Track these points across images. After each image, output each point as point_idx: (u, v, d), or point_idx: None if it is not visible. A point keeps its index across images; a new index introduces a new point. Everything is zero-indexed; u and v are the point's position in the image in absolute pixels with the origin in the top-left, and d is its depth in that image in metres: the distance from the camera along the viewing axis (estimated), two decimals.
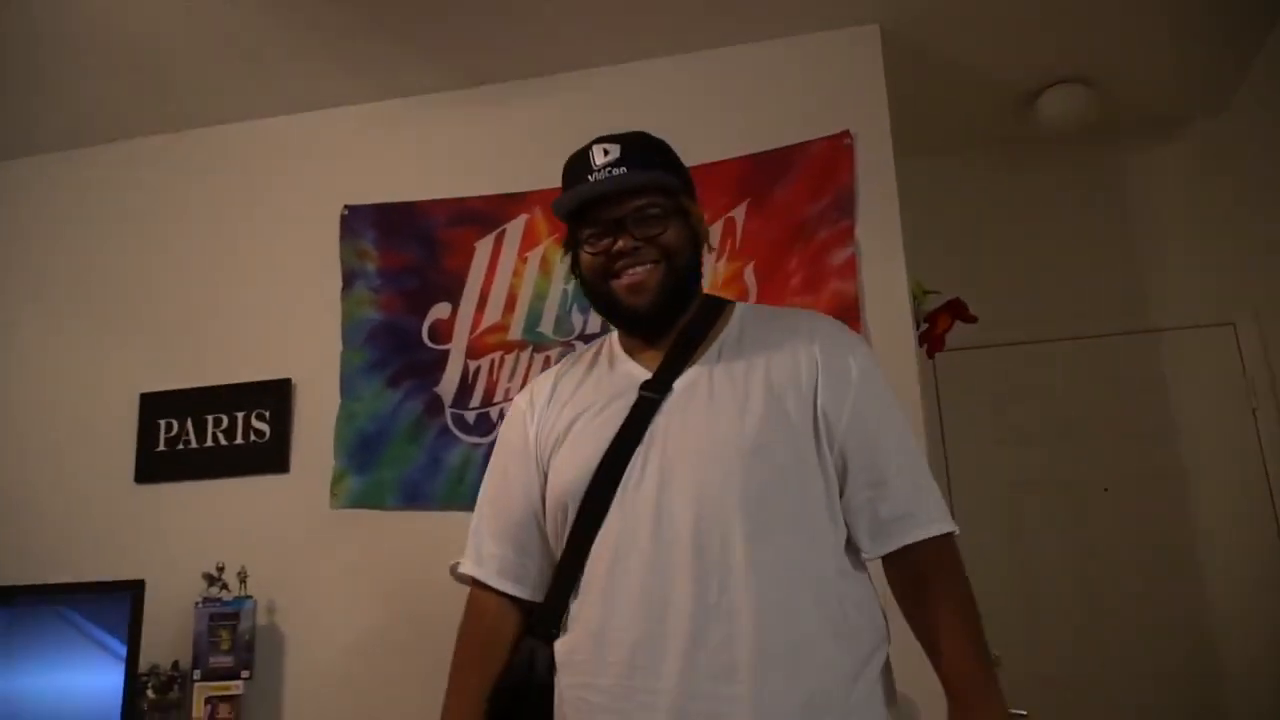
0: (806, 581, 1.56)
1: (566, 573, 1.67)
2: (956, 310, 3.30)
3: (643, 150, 1.72)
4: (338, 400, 3.25)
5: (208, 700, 2.88)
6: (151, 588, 2.78)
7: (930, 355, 3.37)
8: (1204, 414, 3.72)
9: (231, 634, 2.94)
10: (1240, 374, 3.71)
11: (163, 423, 3.34)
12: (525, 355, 3.17)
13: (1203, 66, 3.55)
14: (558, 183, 1.78)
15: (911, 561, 1.66)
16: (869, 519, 1.65)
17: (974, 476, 3.75)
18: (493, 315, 3.23)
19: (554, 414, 1.78)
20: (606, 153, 1.69)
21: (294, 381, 3.31)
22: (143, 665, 2.83)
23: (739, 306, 1.83)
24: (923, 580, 1.66)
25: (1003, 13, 3.16)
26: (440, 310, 3.27)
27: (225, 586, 3.00)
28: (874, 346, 2.89)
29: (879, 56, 3.16)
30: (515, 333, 3.20)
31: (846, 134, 3.09)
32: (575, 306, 3.14)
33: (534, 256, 3.23)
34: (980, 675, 1.60)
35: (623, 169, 1.67)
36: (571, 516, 1.67)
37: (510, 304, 3.23)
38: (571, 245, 1.77)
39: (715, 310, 1.80)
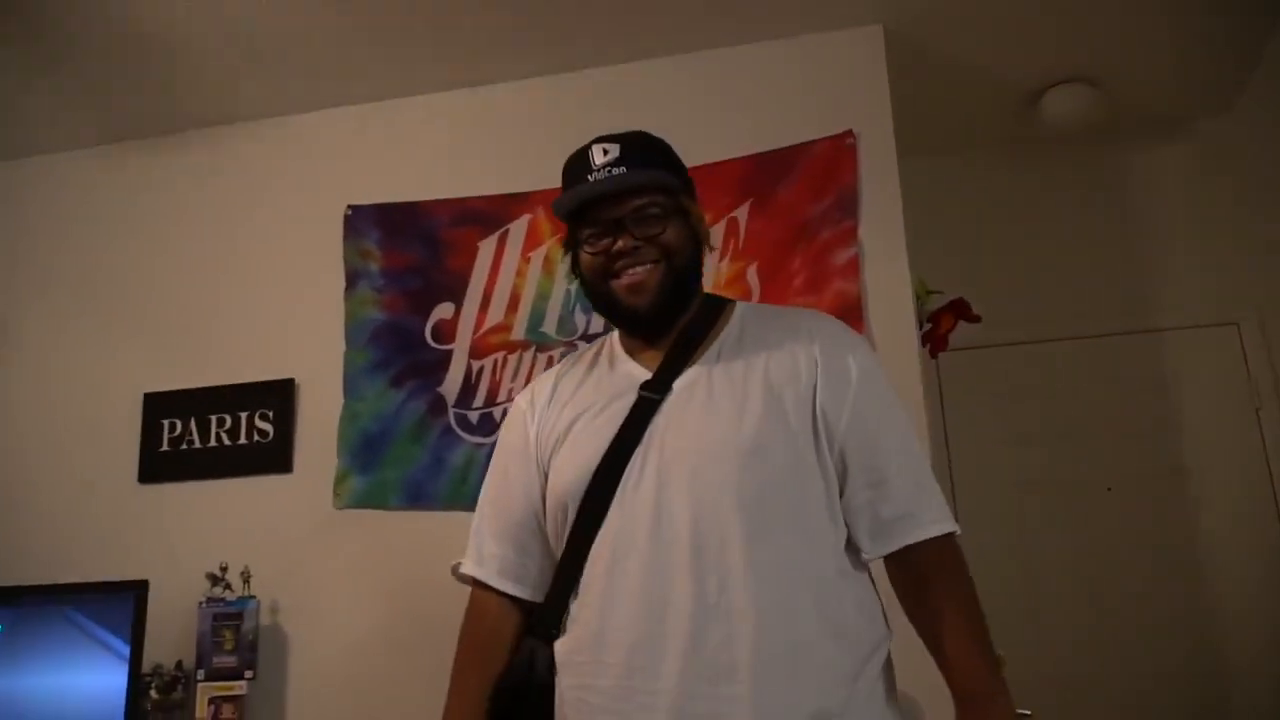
0: (805, 582, 1.56)
1: (566, 573, 1.67)
2: (960, 310, 3.30)
3: (642, 150, 1.72)
4: (341, 400, 3.25)
5: (211, 700, 2.88)
6: (155, 588, 2.77)
7: (933, 355, 3.37)
8: (1207, 414, 3.72)
9: (235, 634, 2.94)
10: (1243, 374, 3.71)
11: (166, 423, 3.34)
12: (528, 355, 3.17)
13: (1206, 66, 3.54)
14: (560, 183, 1.77)
15: (914, 562, 1.66)
16: (869, 519, 1.64)
17: (977, 476, 3.74)
18: (496, 315, 3.23)
19: (554, 414, 1.78)
20: (606, 152, 1.69)
21: (297, 381, 3.31)
22: (146, 665, 2.82)
23: (739, 306, 1.83)
24: (926, 581, 1.66)
25: (1005, 13, 3.16)
26: (443, 310, 3.27)
27: (229, 586, 3.00)
28: (877, 347, 2.89)
29: (882, 56, 3.16)
30: (518, 333, 3.20)
31: (849, 134, 3.09)
32: (578, 306, 3.13)
33: (537, 256, 3.23)
34: (987, 675, 1.60)
35: (622, 168, 1.66)
36: (571, 517, 1.67)
37: (513, 304, 3.23)
38: (571, 245, 1.77)
39: (716, 310, 1.79)
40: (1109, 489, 3.73)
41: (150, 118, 3.54)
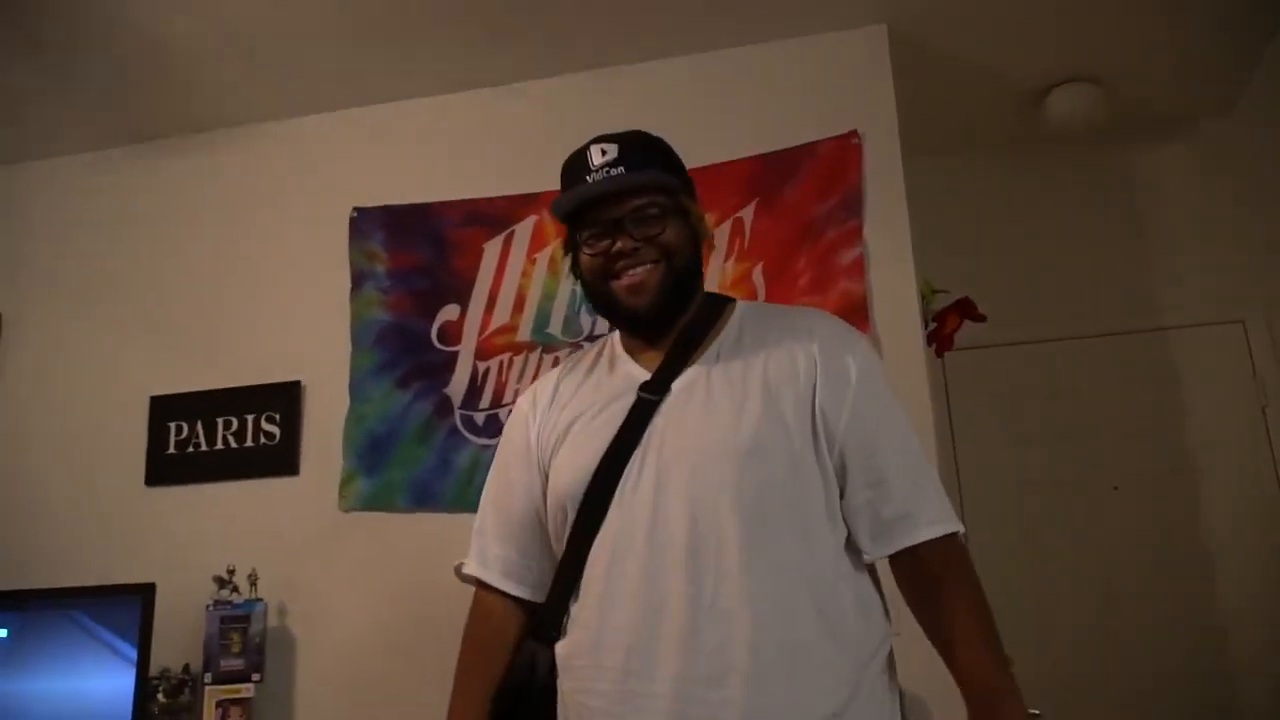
0: (804, 582, 1.55)
1: (566, 575, 1.67)
2: (965, 309, 3.29)
3: (641, 150, 1.71)
4: (347, 402, 3.25)
5: (219, 703, 2.88)
6: (162, 591, 2.77)
7: (939, 355, 3.37)
8: (1213, 412, 3.72)
9: (242, 637, 2.94)
10: (1250, 372, 3.70)
11: (173, 425, 3.34)
12: (534, 356, 3.17)
13: (1207, 67, 3.55)
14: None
15: (918, 563, 1.65)
16: (869, 519, 1.63)
17: (983, 476, 3.74)
18: (501, 316, 3.23)
19: (555, 415, 1.78)
20: (604, 153, 1.68)
21: (303, 384, 3.31)
22: (153, 669, 2.82)
23: (740, 305, 1.82)
24: (932, 582, 1.65)
25: (1009, 13, 3.17)
26: (449, 312, 3.27)
27: (236, 589, 3.00)
28: (882, 346, 2.90)
29: (887, 56, 3.16)
30: (524, 334, 3.20)
31: (854, 134, 3.09)
32: (584, 307, 3.13)
33: (542, 257, 3.23)
34: (997, 676, 1.59)
35: (620, 169, 1.66)
36: (571, 518, 1.67)
37: (519, 305, 3.23)
38: (571, 246, 1.76)
39: (716, 309, 1.79)
40: (1115, 488, 3.72)
41: (155, 121, 3.55)
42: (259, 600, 2.99)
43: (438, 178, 3.39)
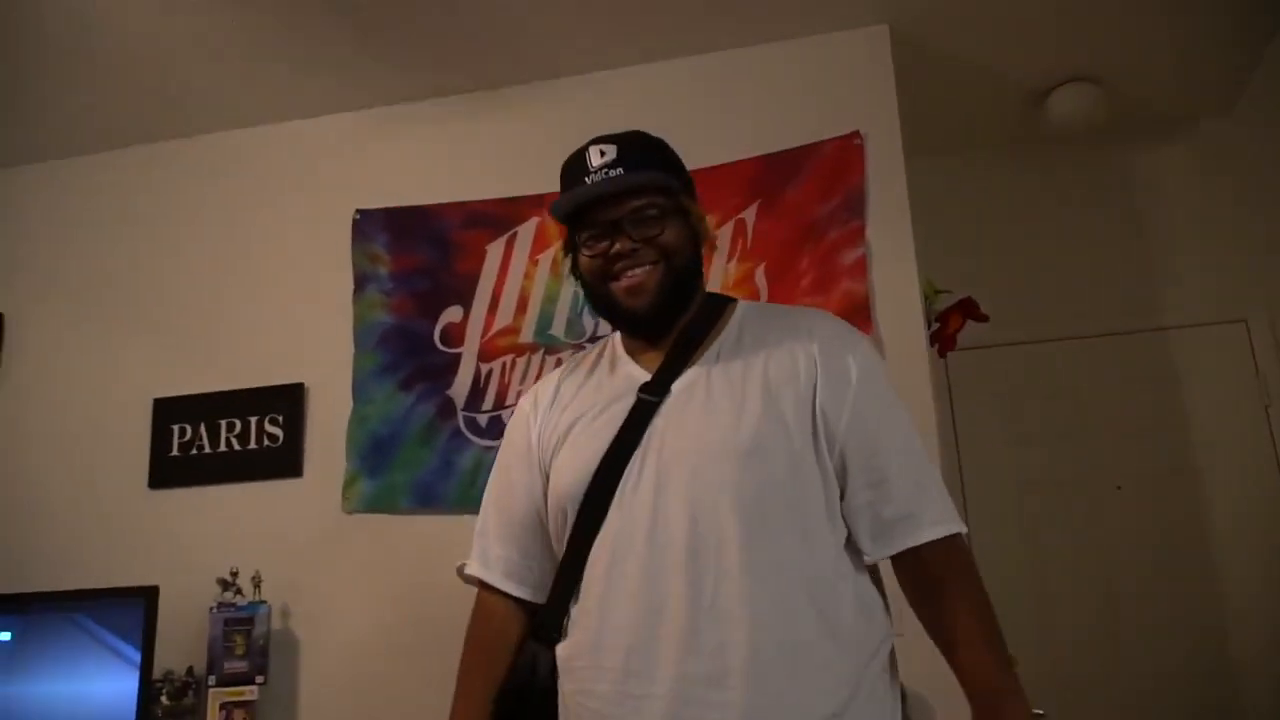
0: (803, 584, 1.54)
1: (567, 576, 1.67)
2: (968, 309, 3.29)
3: (640, 150, 1.71)
4: (350, 404, 3.25)
5: (222, 706, 2.88)
6: (165, 593, 2.77)
7: (942, 355, 3.37)
8: (1216, 411, 3.72)
9: (246, 639, 2.94)
10: (1252, 371, 3.70)
11: (176, 428, 3.34)
12: (537, 358, 3.17)
13: (1208, 67, 3.55)
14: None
15: (921, 563, 1.64)
16: (870, 520, 1.62)
17: (986, 476, 3.74)
18: (504, 318, 3.23)
19: (555, 416, 1.78)
20: (603, 154, 1.67)
21: (307, 386, 3.31)
22: (157, 671, 2.83)
23: (741, 305, 1.82)
24: (935, 582, 1.64)
25: (1011, 13, 3.17)
26: (452, 313, 3.27)
27: (239, 591, 3.00)
28: (885, 346, 2.90)
29: (888, 57, 3.17)
30: (527, 335, 3.20)
31: (856, 134, 3.09)
32: (586, 309, 3.13)
33: (545, 259, 3.23)
34: (1000, 676, 1.58)
35: (619, 170, 1.65)
36: (571, 519, 1.66)
37: (522, 306, 3.23)
38: (571, 248, 1.76)
39: (716, 310, 1.79)
40: (1119, 487, 3.72)
41: (158, 123, 3.56)
42: (262, 602, 3.00)
43: (440, 179, 3.39)
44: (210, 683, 2.91)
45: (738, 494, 1.55)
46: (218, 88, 3.38)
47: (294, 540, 3.15)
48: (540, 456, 1.77)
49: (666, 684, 1.49)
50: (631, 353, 1.78)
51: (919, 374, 2.91)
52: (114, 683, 2.69)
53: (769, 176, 3.13)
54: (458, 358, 3.23)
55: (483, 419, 3.16)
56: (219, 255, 3.51)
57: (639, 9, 3.08)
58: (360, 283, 3.35)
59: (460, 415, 3.18)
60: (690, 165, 1.83)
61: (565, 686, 1.63)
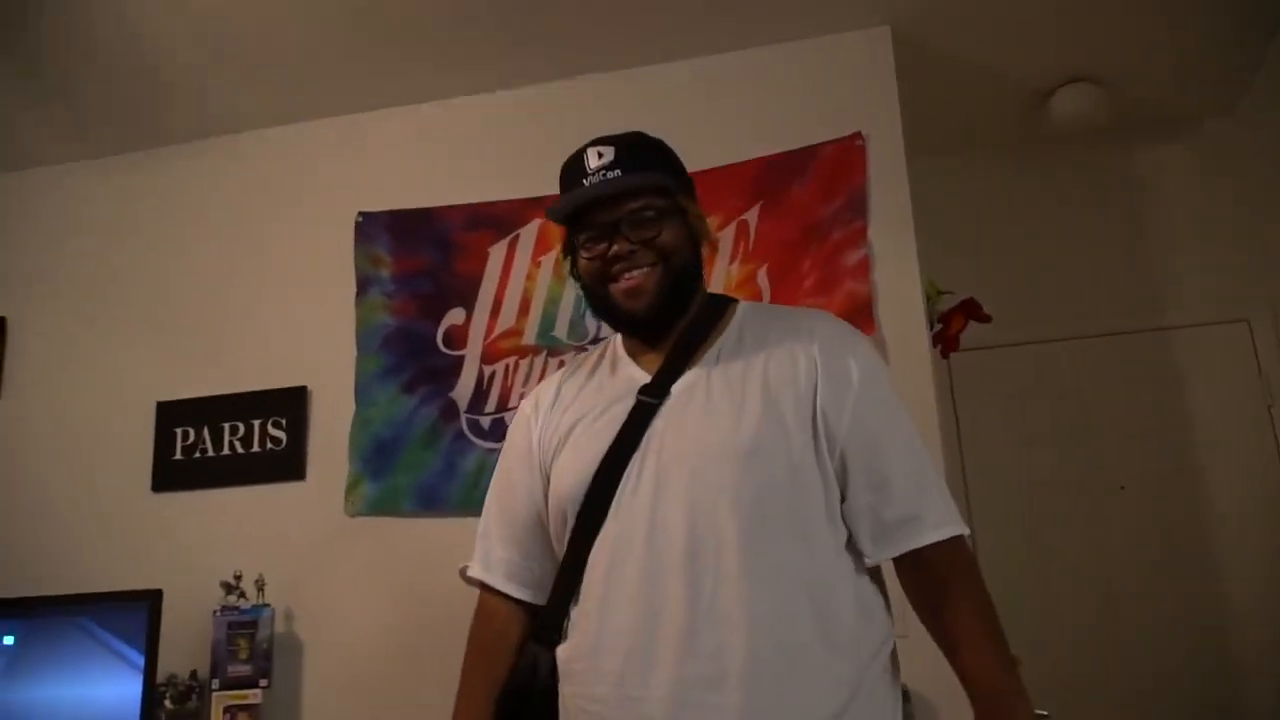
0: (802, 587, 1.53)
1: (567, 578, 1.66)
2: (970, 310, 3.29)
3: (638, 151, 1.69)
4: (353, 407, 3.25)
5: (226, 709, 2.88)
6: (169, 597, 2.78)
7: (945, 355, 3.37)
8: (1219, 411, 3.72)
9: (250, 642, 2.94)
10: (1255, 371, 3.70)
11: (179, 431, 3.35)
12: (539, 360, 3.17)
13: (1210, 67, 3.56)
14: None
15: (923, 566, 1.63)
16: (871, 522, 1.61)
17: (990, 476, 3.75)
18: (507, 320, 3.23)
19: (556, 418, 1.77)
20: (600, 155, 1.67)
21: (310, 389, 3.31)
22: (161, 675, 2.83)
23: (741, 306, 1.81)
24: (937, 585, 1.63)
25: (1012, 13, 3.18)
26: (455, 316, 3.27)
27: (243, 595, 2.99)
28: (888, 347, 2.90)
29: (890, 58, 3.17)
30: (529, 337, 3.20)
31: (859, 135, 3.09)
32: (589, 311, 3.12)
33: (547, 261, 3.23)
34: (1004, 678, 1.58)
35: (617, 171, 1.64)
36: (571, 521, 1.66)
37: (524, 308, 3.23)
38: (570, 250, 1.76)
39: (717, 311, 1.78)
40: (1122, 487, 3.73)
41: (160, 127, 3.56)
42: (266, 605, 2.99)
43: (442, 182, 3.39)
44: (214, 686, 2.90)
45: (737, 496, 1.54)
46: (220, 92, 3.38)
47: (297, 543, 3.16)
48: (541, 458, 1.77)
49: (664, 687, 1.49)
50: (632, 354, 1.78)
51: (922, 375, 2.91)
52: (118, 686, 2.70)
53: (771, 178, 3.13)
54: (460, 360, 3.23)
55: (485, 421, 3.16)
56: (221, 258, 3.51)
57: (641, 11, 3.08)
58: (363, 285, 3.35)
59: (463, 418, 3.18)
60: (692, 167, 1.82)
61: (565, 689, 1.63)
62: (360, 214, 3.41)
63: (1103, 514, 3.73)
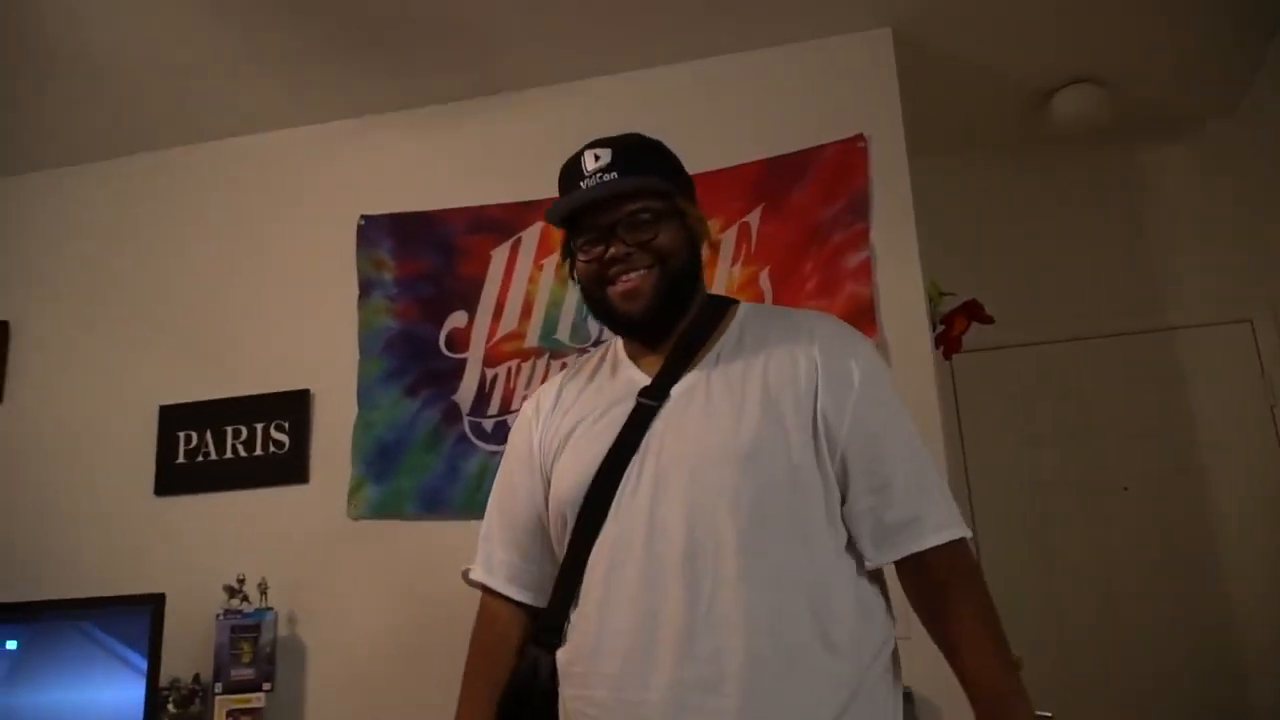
0: (801, 589, 1.52)
1: (567, 581, 1.66)
2: (973, 311, 3.29)
3: (635, 153, 1.69)
4: (356, 410, 3.25)
5: (229, 713, 2.87)
6: (172, 600, 2.78)
7: (947, 357, 3.36)
8: (1222, 411, 3.71)
9: (253, 646, 2.93)
10: (1258, 371, 3.70)
11: (182, 435, 3.35)
12: (542, 362, 3.18)
13: (1211, 67, 3.55)
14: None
15: (924, 568, 1.62)
16: (872, 525, 1.60)
17: (993, 478, 3.75)
18: (509, 323, 3.24)
19: (557, 420, 1.77)
20: (598, 158, 1.66)
21: (312, 392, 3.31)
22: (163, 679, 2.82)
23: (742, 307, 1.80)
24: (939, 588, 1.62)
25: (1013, 15, 3.18)
26: (457, 319, 3.27)
27: (246, 598, 2.99)
28: (890, 349, 2.90)
29: (891, 60, 3.17)
30: (532, 340, 3.20)
31: (860, 137, 3.09)
32: (591, 313, 3.12)
33: (549, 264, 3.23)
34: (1005, 681, 1.57)
35: (613, 174, 1.64)
36: (571, 524, 1.66)
37: (526, 311, 3.23)
38: (569, 252, 1.75)
39: (718, 312, 1.77)
40: (1125, 488, 3.72)
41: (162, 130, 3.56)
42: (269, 609, 2.99)
43: (444, 185, 3.39)
44: (217, 690, 2.90)
45: (735, 498, 1.54)
46: (222, 94, 3.38)
47: (300, 546, 3.15)
48: (542, 461, 1.77)
49: (663, 690, 1.48)
50: (633, 356, 1.77)
51: (924, 376, 2.91)
52: (121, 691, 2.70)
53: (773, 180, 3.13)
54: (463, 363, 3.23)
55: (488, 424, 3.16)
56: (224, 261, 3.51)
57: (643, 13, 3.08)
58: (365, 288, 3.35)
59: (466, 420, 3.18)
60: (694, 169, 1.82)
61: (565, 692, 1.63)
62: (362, 217, 3.41)
63: (1105, 514, 3.73)
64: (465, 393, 3.20)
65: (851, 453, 1.61)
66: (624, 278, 1.66)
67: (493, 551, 1.82)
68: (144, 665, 2.70)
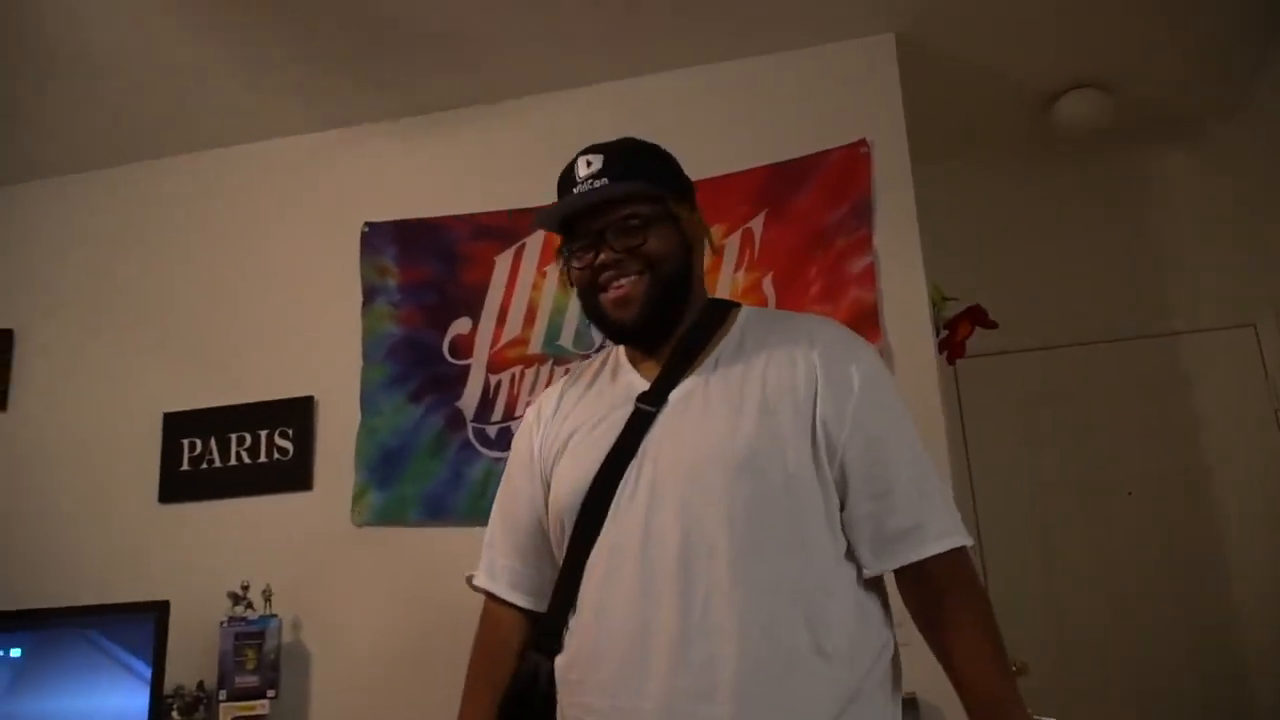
0: (797, 598, 1.51)
1: (565, 586, 1.65)
2: (976, 316, 3.29)
3: (627, 158, 1.68)
4: (359, 416, 3.25)
5: None
6: (176, 608, 2.77)
7: (951, 362, 3.37)
8: (1226, 416, 3.71)
9: (257, 653, 2.93)
10: (1261, 375, 3.70)
11: (186, 442, 3.35)
12: (546, 369, 3.17)
13: (1217, 69, 3.55)
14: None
15: (924, 576, 1.61)
16: (871, 532, 1.58)
17: (997, 483, 3.75)
18: (513, 329, 3.24)
19: (557, 426, 1.77)
20: (589, 164, 1.66)
21: (316, 399, 3.31)
22: (168, 686, 2.82)
23: (744, 311, 1.78)
24: (938, 596, 1.61)
25: (1016, 19, 3.18)
26: (461, 325, 3.27)
27: (250, 605, 2.99)
28: (894, 354, 2.90)
29: (894, 65, 3.17)
30: (535, 346, 3.20)
31: (863, 143, 3.09)
32: (587, 319, 3.12)
33: (553, 270, 3.23)
34: (1002, 689, 1.56)
35: (604, 180, 1.63)
36: (569, 529, 1.65)
37: (530, 318, 3.23)
38: (565, 258, 1.75)
39: (718, 316, 1.75)
40: (1129, 492, 3.72)
41: (165, 138, 3.57)
42: (273, 616, 2.99)
43: (448, 192, 3.40)
44: (221, 697, 2.90)
45: (730, 505, 1.52)
46: (226, 102, 3.39)
47: (304, 553, 3.15)
48: (542, 466, 1.77)
49: (656, 698, 1.47)
50: (633, 361, 1.77)
51: (928, 381, 2.91)
52: (125, 698, 2.69)
53: (776, 186, 3.13)
54: (466, 369, 3.23)
55: (492, 430, 3.16)
56: (228, 269, 3.52)
57: (645, 19, 3.09)
58: (369, 295, 3.35)
59: (469, 426, 3.18)
60: (697, 175, 1.82)
61: (562, 698, 1.62)
62: (366, 224, 3.41)
63: (1109, 518, 3.72)
64: (469, 399, 3.20)
65: (851, 459, 1.59)
66: (615, 284, 1.65)
67: (495, 557, 1.82)
68: (148, 673, 2.70)
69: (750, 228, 3.12)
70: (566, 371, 3.06)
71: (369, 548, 3.15)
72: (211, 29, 3.01)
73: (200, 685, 2.98)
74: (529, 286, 3.26)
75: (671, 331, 1.71)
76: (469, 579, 1.86)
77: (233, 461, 3.31)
